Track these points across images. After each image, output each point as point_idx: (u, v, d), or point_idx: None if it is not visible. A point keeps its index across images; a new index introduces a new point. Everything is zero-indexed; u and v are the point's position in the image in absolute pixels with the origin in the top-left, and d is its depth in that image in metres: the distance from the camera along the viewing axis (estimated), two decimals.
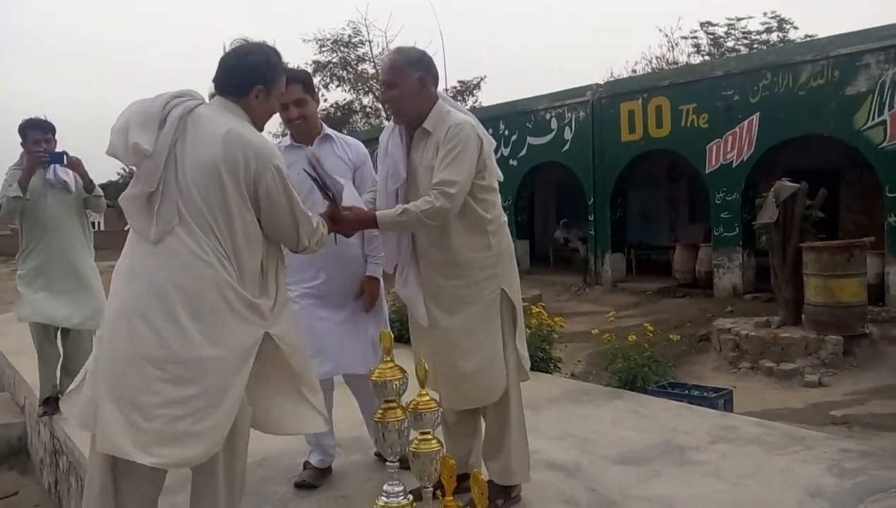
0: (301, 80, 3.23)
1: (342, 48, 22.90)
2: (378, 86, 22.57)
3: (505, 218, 2.98)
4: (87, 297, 4.77)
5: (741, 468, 3.37)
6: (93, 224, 5.29)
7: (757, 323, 9.33)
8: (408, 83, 2.80)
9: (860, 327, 8.60)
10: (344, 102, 25.47)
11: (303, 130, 3.29)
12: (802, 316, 8.89)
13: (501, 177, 3.01)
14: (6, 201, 4.58)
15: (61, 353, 4.84)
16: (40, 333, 4.76)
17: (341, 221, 2.74)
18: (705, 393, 5.20)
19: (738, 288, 13.00)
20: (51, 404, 4.79)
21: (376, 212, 2.78)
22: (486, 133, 2.88)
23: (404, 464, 2.67)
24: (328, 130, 3.36)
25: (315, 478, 3.33)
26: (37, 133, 4.66)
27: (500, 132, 17.33)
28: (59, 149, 4.72)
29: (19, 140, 4.73)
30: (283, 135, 3.60)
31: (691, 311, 12.05)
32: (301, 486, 3.29)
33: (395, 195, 2.88)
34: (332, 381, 3.35)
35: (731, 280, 13.16)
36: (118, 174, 59.72)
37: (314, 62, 23.41)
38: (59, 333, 4.81)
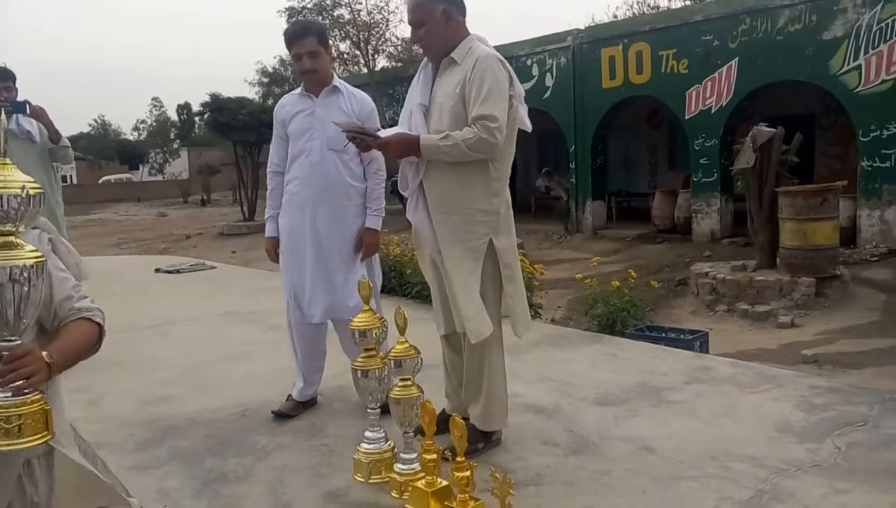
0: (318, 32, 3.36)
1: None
2: (354, 33, 22.13)
3: (508, 177, 2.96)
4: None
5: (715, 406, 3.45)
6: (64, 178, 5.20)
7: (734, 267, 9.45)
8: (433, 19, 2.80)
9: (832, 269, 8.75)
10: None
11: (314, 81, 3.39)
12: (778, 259, 9.01)
13: (529, 127, 2.96)
14: None
15: None
16: None
17: (387, 143, 2.81)
18: (682, 336, 5.28)
19: (717, 234, 13.14)
20: None
21: (420, 135, 2.77)
22: (513, 71, 2.85)
23: (385, 411, 2.72)
24: (337, 82, 3.44)
25: (292, 409, 3.50)
26: None
27: None
28: (20, 97, 4.57)
29: None
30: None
31: (669, 256, 12.18)
32: (278, 415, 3.46)
33: (415, 128, 2.87)
34: (326, 325, 3.49)
35: (710, 225, 13.28)
36: (89, 125, 58.74)
37: (287, 8, 22.78)
38: None
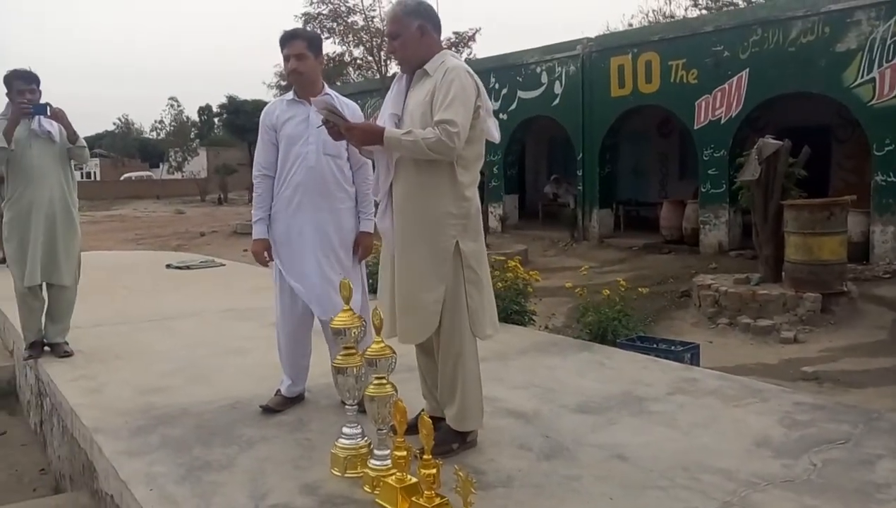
0: (307, 37, 3.54)
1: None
2: (367, 38, 22.27)
3: (477, 182, 3.04)
4: (69, 252, 4.89)
5: (696, 418, 3.48)
6: (88, 174, 5.41)
7: (737, 279, 9.43)
8: (408, 32, 2.93)
9: (839, 285, 8.69)
10: (335, 55, 25.23)
11: (301, 85, 3.51)
12: (783, 273, 8.99)
13: (497, 138, 3.08)
14: None
15: (45, 300, 4.96)
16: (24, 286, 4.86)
17: (352, 129, 2.90)
18: (672, 347, 5.32)
19: (724, 245, 13.10)
20: (36, 348, 4.93)
21: (385, 127, 2.89)
22: (482, 84, 2.96)
23: (363, 408, 2.80)
24: (329, 90, 3.55)
25: (279, 404, 3.63)
26: (20, 83, 4.71)
27: (491, 85, 17.21)
28: (43, 100, 4.75)
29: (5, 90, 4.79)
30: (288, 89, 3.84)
31: (675, 267, 12.17)
32: (266, 409, 3.58)
33: None
34: (311, 326, 3.65)
35: (717, 237, 13.27)
36: (113, 124, 59.49)
37: (304, 14, 23.11)
38: (43, 283, 4.92)
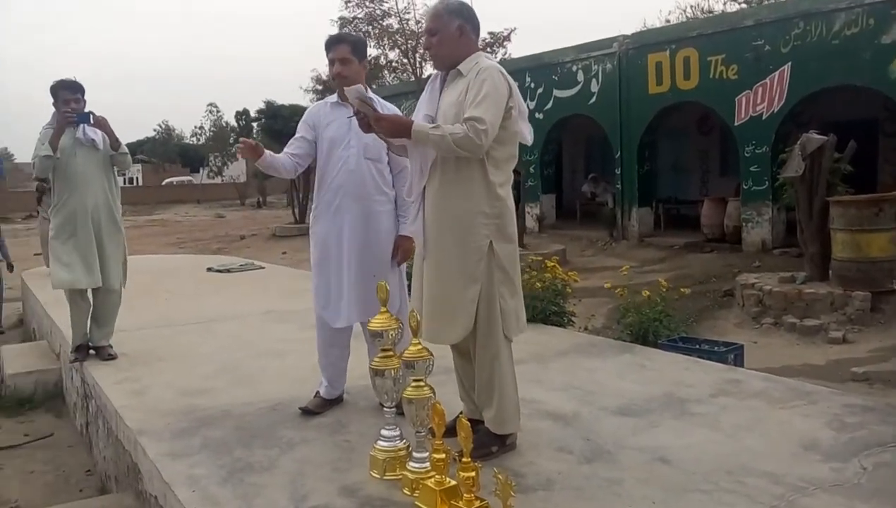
0: (352, 41, 3.58)
1: (367, 3, 22.78)
2: (402, 41, 22.37)
3: (510, 182, 3.03)
4: (113, 257, 4.99)
5: (740, 420, 3.41)
6: (130, 179, 5.52)
7: (782, 278, 9.23)
8: (447, 30, 2.95)
9: (889, 283, 8.44)
10: (371, 58, 25.38)
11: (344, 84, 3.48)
12: (829, 271, 8.78)
13: (529, 141, 3.08)
14: (38, 160, 4.81)
15: (91, 304, 5.07)
16: (71, 289, 4.96)
17: (381, 119, 2.91)
18: (715, 348, 5.21)
19: (768, 243, 12.84)
20: (81, 351, 5.04)
21: (413, 120, 2.90)
22: (515, 86, 2.96)
23: (401, 410, 2.80)
24: (371, 94, 3.49)
25: (318, 406, 3.65)
26: (66, 93, 4.83)
27: (526, 85, 17.14)
28: (87, 109, 4.87)
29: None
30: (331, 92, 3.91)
31: (717, 266, 11.95)
32: (305, 412, 3.61)
33: None
34: (351, 329, 3.64)
35: (760, 234, 13.00)
36: (154, 130, 60.66)
37: (340, 18, 23.38)
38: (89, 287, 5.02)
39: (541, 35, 57.21)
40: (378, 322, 2.81)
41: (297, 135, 3.64)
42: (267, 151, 3.49)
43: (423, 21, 20.65)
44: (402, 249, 3.59)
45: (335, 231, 3.50)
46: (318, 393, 3.72)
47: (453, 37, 2.94)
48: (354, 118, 3.07)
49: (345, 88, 3.12)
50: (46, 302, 7.04)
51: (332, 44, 3.52)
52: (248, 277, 9.20)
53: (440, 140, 2.79)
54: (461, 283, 2.88)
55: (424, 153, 2.95)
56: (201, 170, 52.13)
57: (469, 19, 2.99)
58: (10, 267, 8.74)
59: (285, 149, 3.63)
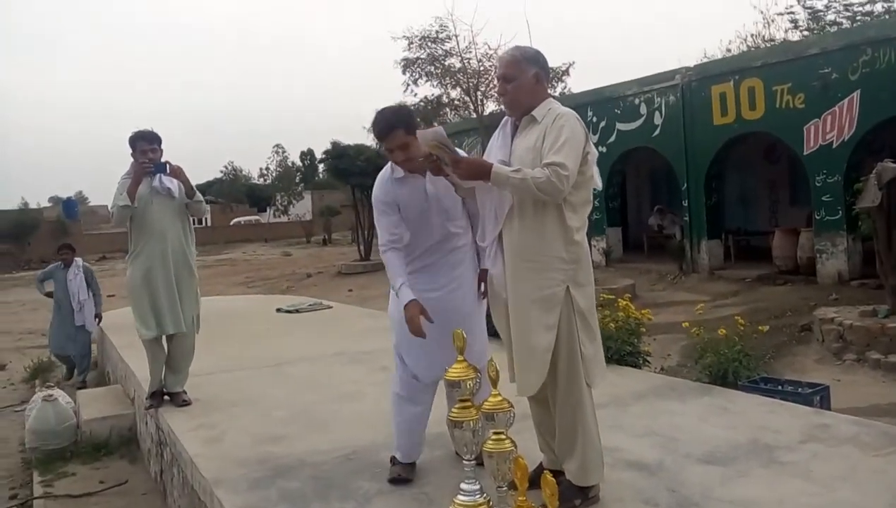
0: (404, 124, 3.29)
1: (430, 44, 23.14)
2: (464, 80, 22.61)
3: (586, 227, 3.01)
4: (188, 303, 5.10)
5: (833, 469, 3.25)
6: (200, 220, 5.63)
7: (862, 312, 8.88)
8: (524, 78, 2.96)
9: None
10: (433, 97, 25.78)
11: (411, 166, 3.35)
12: None
13: (600, 186, 3.09)
14: (117, 210, 4.97)
15: (166, 350, 5.16)
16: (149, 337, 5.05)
17: (459, 162, 2.90)
18: (800, 389, 4.99)
19: (844, 275, 12.37)
20: (156, 398, 5.12)
21: (493, 163, 2.88)
22: (587, 132, 2.97)
23: (481, 462, 2.74)
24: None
25: (409, 472, 3.44)
26: (143, 144, 4.99)
27: (588, 119, 17.07)
28: (163, 158, 5.04)
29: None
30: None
31: (792, 300, 11.55)
32: (397, 481, 3.37)
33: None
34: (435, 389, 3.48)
35: (836, 266, 12.54)
36: (221, 172, 62.57)
37: (403, 59, 23.80)
38: (165, 335, 5.12)
39: (598, 70, 57.26)
40: (455, 371, 2.76)
41: (384, 219, 3.39)
42: (402, 282, 3.30)
43: (495, 64, 20.94)
44: (485, 281, 3.45)
45: (426, 301, 3.32)
46: (394, 459, 3.48)
47: (530, 84, 2.96)
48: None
49: (419, 133, 3.06)
50: (121, 346, 7.19)
51: (385, 134, 3.28)
52: (317, 317, 9.31)
53: (521, 183, 2.78)
54: (536, 331, 2.86)
55: (500, 198, 2.94)
56: (268, 210, 53.40)
57: (543, 67, 3.02)
58: (99, 319, 8.98)
59: (388, 244, 3.37)
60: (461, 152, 3.11)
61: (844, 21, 24.24)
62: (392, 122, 3.28)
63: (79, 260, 8.88)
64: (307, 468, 3.65)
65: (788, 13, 25.97)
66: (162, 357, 5.13)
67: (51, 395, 6.21)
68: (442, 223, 3.42)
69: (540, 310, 2.86)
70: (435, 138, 2.93)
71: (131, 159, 5.04)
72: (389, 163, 3.44)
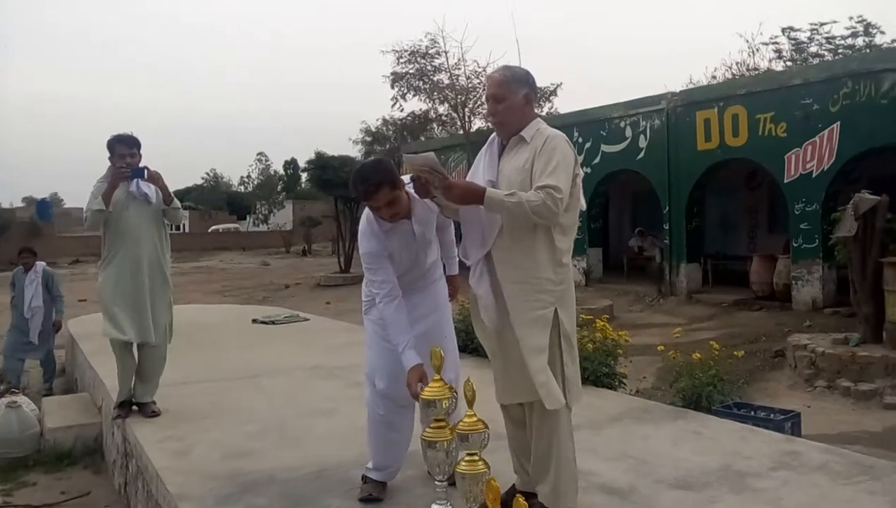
0: (389, 181, 3.17)
1: (419, 59, 23.22)
2: (453, 96, 22.71)
3: (571, 250, 3.04)
4: (160, 312, 5.01)
5: (803, 497, 3.27)
6: (177, 226, 5.54)
7: (835, 339, 8.98)
8: (514, 98, 2.96)
9: None
10: (420, 112, 25.89)
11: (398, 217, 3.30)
12: (884, 333, 8.51)
13: (584, 206, 3.09)
14: (91, 214, 4.86)
15: (136, 359, 5.05)
16: (119, 343, 4.95)
17: (451, 187, 2.87)
18: (772, 415, 5.04)
19: (818, 302, 12.52)
20: (125, 407, 5.01)
21: (486, 188, 2.87)
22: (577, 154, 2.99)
23: (453, 482, 2.71)
24: (414, 197, 3.25)
25: (380, 491, 3.39)
26: (122, 148, 4.90)
27: (574, 140, 17.18)
28: (142, 163, 4.94)
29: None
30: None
31: (768, 325, 11.66)
32: (367, 500, 3.32)
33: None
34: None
35: (811, 293, 12.70)
36: (202, 178, 62.16)
37: (392, 73, 23.86)
38: (135, 343, 5.01)
39: (584, 92, 57.75)
40: (431, 390, 2.74)
41: (378, 266, 3.28)
42: (406, 344, 3.19)
43: (483, 82, 21.05)
44: (454, 287, 3.65)
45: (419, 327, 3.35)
46: (366, 477, 3.42)
47: (519, 105, 2.96)
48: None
49: (406, 157, 3.04)
50: (91, 353, 7.02)
51: (371, 193, 3.15)
52: (293, 329, 9.23)
53: (516, 207, 2.77)
54: (533, 352, 2.84)
55: (489, 220, 2.92)
56: (248, 218, 53.10)
57: (533, 88, 3.03)
58: (57, 327, 8.67)
59: (386, 293, 3.25)
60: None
61: (827, 53, 24.74)
62: (377, 182, 3.15)
63: (39, 265, 8.53)
64: (276, 484, 3.60)
65: (773, 43, 26.38)
66: (132, 365, 5.02)
67: (14, 402, 6.06)
68: (425, 254, 3.44)
69: (533, 332, 2.85)
70: (426, 164, 2.89)
71: (108, 163, 4.95)
72: (367, 214, 3.33)
